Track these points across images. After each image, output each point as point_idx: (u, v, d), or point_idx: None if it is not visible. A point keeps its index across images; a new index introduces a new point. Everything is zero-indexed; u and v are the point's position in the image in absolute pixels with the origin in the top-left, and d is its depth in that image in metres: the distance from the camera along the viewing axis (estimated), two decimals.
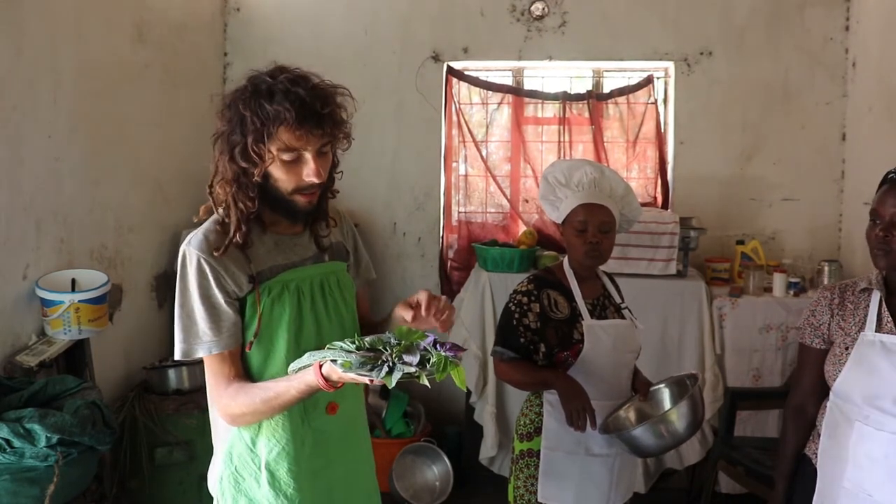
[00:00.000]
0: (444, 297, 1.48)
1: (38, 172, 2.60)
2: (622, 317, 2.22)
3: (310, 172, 1.42)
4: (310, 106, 1.37)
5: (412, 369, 1.22)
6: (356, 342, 1.30)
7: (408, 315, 1.43)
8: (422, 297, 1.44)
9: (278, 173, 1.43)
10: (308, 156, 1.42)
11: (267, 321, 1.48)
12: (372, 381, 1.24)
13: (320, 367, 1.32)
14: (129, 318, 3.23)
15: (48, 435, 2.05)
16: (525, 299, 2.15)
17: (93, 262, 2.92)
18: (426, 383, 1.24)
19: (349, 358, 1.25)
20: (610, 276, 2.37)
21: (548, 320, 2.12)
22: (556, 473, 2.11)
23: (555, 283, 2.17)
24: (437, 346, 1.26)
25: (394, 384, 1.22)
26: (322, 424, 1.55)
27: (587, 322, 2.12)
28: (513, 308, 2.15)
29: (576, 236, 2.13)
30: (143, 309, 3.38)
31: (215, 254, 1.43)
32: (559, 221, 2.20)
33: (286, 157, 1.41)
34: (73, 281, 2.70)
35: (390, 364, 1.24)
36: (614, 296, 2.27)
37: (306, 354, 1.35)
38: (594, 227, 2.11)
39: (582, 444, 2.11)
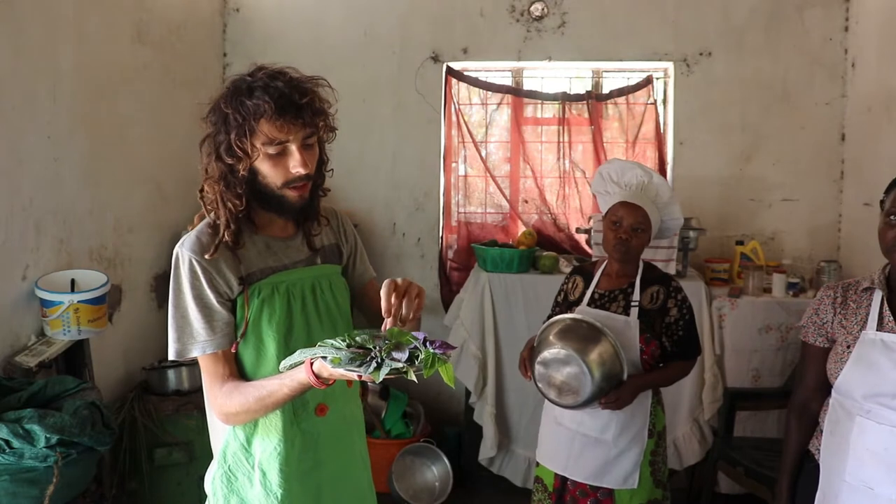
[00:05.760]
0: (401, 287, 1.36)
1: (37, 173, 2.60)
2: (627, 314, 2.27)
3: (296, 164, 1.43)
4: (288, 97, 1.39)
5: (400, 365, 1.23)
6: (347, 340, 1.31)
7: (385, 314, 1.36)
8: (382, 295, 1.36)
9: (266, 168, 1.44)
10: (293, 147, 1.43)
11: (256, 323, 1.48)
12: (360, 376, 1.24)
13: (311, 364, 1.32)
14: (129, 319, 3.23)
15: (47, 435, 2.05)
16: (564, 279, 2.52)
17: (92, 263, 2.92)
18: (413, 378, 1.25)
19: (339, 354, 1.26)
20: (666, 281, 2.33)
21: (565, 300, 2.45)
22: (541, 438, 2.45)
23: (587, 271, 2.45)
24: (427, 343, 1.27)
25: (381, 379, 1.23)
26: (311, 426, 1.55)
27: (580, 307, 2.34)
28: None
29: (610, 230, 2.31)
30: (142, 309, 3.38)
31: (206, 256, 1.44)
32: (604, 213, 2.39)
33: (271, 150, 1.42)
34: (73, 281, 2.69)
35: (379, 360, 1.25)
36: (636, 294, 2.29)
37: (297, 352, 1.36)
38: (627, 224, 2.27)
39: (552, 414, 2.37)
